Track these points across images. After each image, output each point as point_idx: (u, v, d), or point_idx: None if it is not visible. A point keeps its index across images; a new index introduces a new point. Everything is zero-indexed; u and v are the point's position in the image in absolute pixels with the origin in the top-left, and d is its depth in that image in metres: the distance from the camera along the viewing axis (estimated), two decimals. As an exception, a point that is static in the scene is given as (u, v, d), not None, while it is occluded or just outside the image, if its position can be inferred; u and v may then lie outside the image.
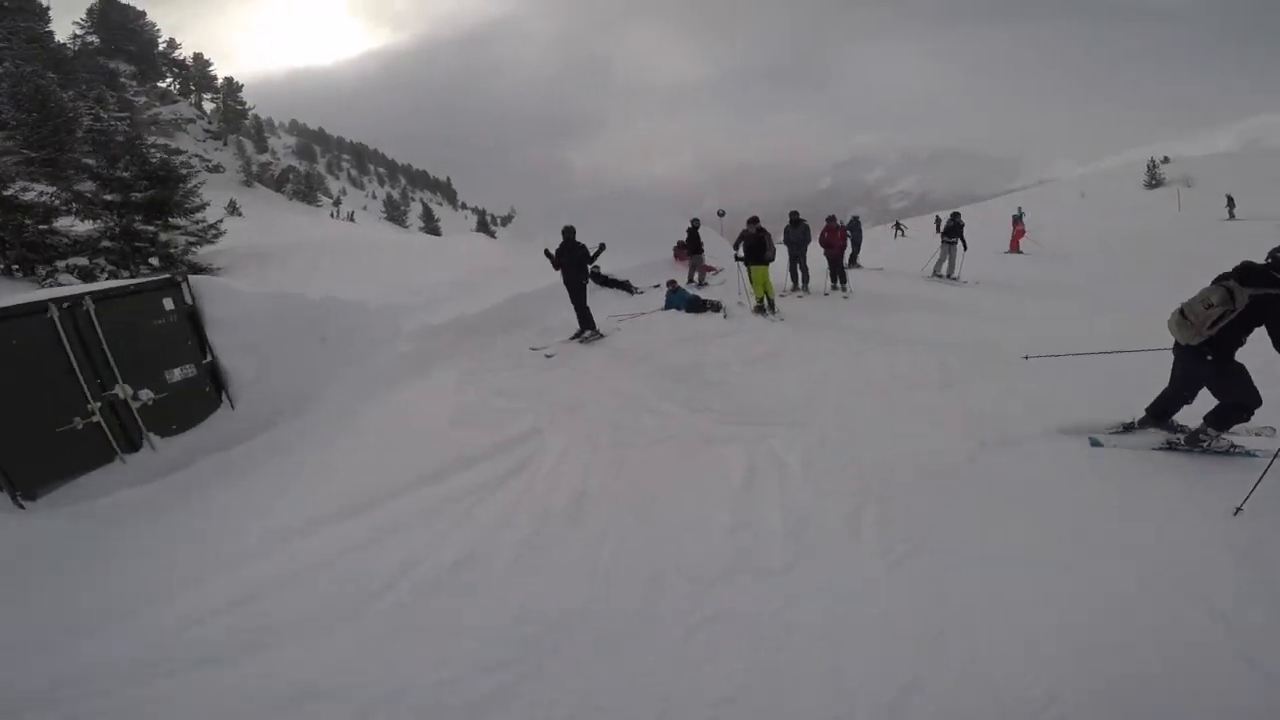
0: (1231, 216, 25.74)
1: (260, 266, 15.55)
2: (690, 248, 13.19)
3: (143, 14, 52.68)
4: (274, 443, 6.40)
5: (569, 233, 8.45)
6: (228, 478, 5.72)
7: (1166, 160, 46.50)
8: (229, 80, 62.24)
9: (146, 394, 6.55)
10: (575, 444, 4.95)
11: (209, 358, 7.15)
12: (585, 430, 5.22)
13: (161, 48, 54.69)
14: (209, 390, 7.17)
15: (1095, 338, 6.95)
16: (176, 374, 6.89)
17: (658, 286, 11.71)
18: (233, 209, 35.17)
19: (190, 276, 7.20)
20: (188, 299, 7.01)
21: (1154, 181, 42.11)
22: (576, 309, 8.55)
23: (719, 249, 13.88)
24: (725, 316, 9.43)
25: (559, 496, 4.20)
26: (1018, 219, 21.22)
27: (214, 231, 16.24)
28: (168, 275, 7.16)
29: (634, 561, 3.51)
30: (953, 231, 12.69)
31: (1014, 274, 13.37)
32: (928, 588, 3.09)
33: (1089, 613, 2.80)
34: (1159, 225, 26.31)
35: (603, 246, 8.55)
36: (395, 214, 66.04)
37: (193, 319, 7.06)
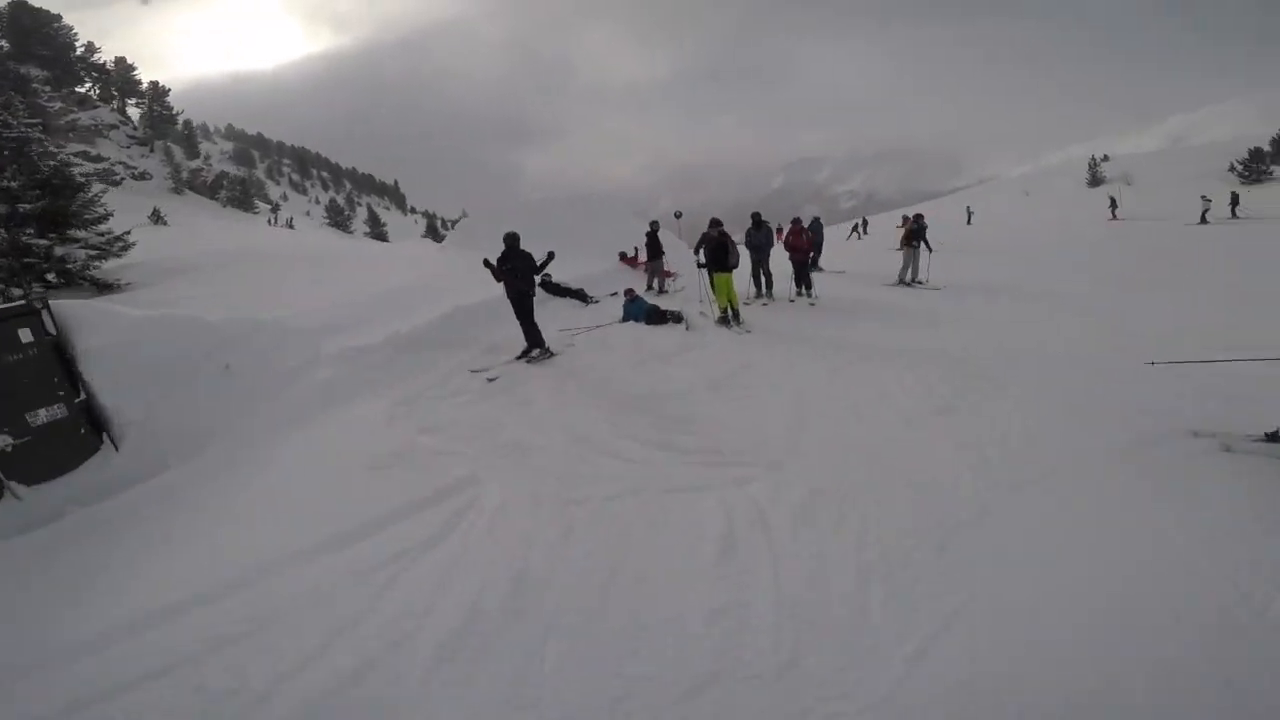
0: (1114, 217, 27.89)
1: (176, 281, 14.10)
2: (650, 252, 12.48)
3: (58, 17, 49.25)
4: (158, 493, 5.36)
5: (512, 240, 7.59)
6: (95, 536, 4.72)
7: (1106, 159, 48.26)
8: (155, 84, 58.95)
9: (3, 439, 5.49)
10: (516, 499, 4.09)
11: (83, 395, 6.04)
12: (529, 479, 4.36)
13: (80, 52, 51.28)
14: (85, 432, 6.06)
15: (1067, 341, 6.59)
16: (42, 415, 5.76)
17: (614, 295, 10.95)
18: (157, 218, 32.86)
19: (54, 302, 6.06)
20: (50, 329, 5.88)
21: (1094, 179, 43.61)
22: (522, 325, 7.69)
23: (677, 253, 13.22)
24: (688, 328, 8.73)
25: (494, 575, 3.35)
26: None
27: (120, 244, 14.64)
28: (22, 303, 6.02)
29: (587, 670, 2.71)
30: (915, 235, 12.29)
31: (970, 276, 13.12)
32: (962, 690, 2.42)
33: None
34: (1103, 224, 27.09)
35: (551, 255, 7.72)
36: (339, 219, 63.32)
37: (59, 351, 5.93)
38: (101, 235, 14.41)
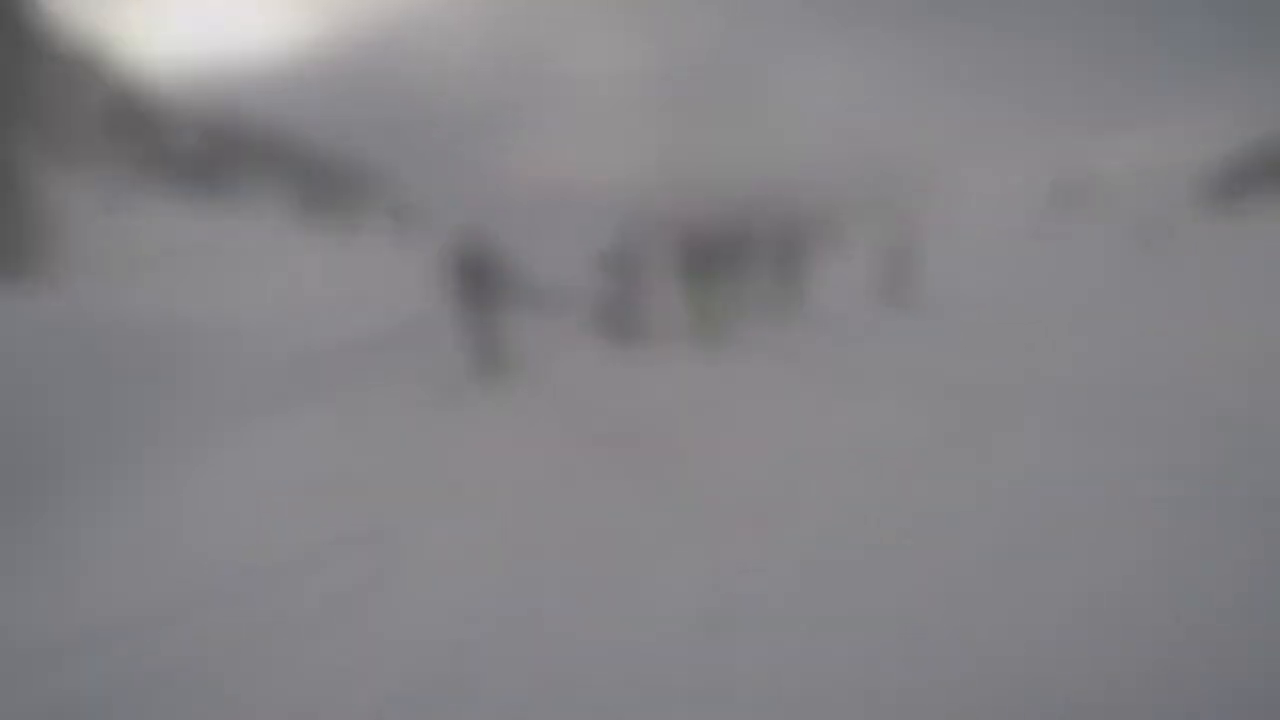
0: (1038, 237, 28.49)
1: (115, 272, 13.14)
2: (626, 256, 11.92)
3: (16, -12, 46.87)
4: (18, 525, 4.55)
5: (474, 240, 6.96)
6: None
7: (1076, 172, 48.59)
8: (120, 60, 56.81)
9: None
10: (460, 551, 3.50)
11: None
12: (476, 526, 3.76)
13: (42, 24, 49.03)
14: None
15: (1076, 364, 6.21)
16: None
17: (587, 302, 10.37)
18: (109, 204, 31.31)
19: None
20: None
21: (1064, 194, 44.10)
22: (477, 337, 7.01)
23: (658, 257, 12.69)
24: (668, 342, 8.19)
25: (428, 650, 2.77)
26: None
27: (52, 230, 13.59)
28: None
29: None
30: (899, 250, 11.96)
31: (951, 291, 12.85)
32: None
33: None
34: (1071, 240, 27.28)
35: (510, 261, 7.08)
36: (311, 208, 61.60)
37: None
38: (34, 220, 13.36)
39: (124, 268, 13.84)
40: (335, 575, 3.27)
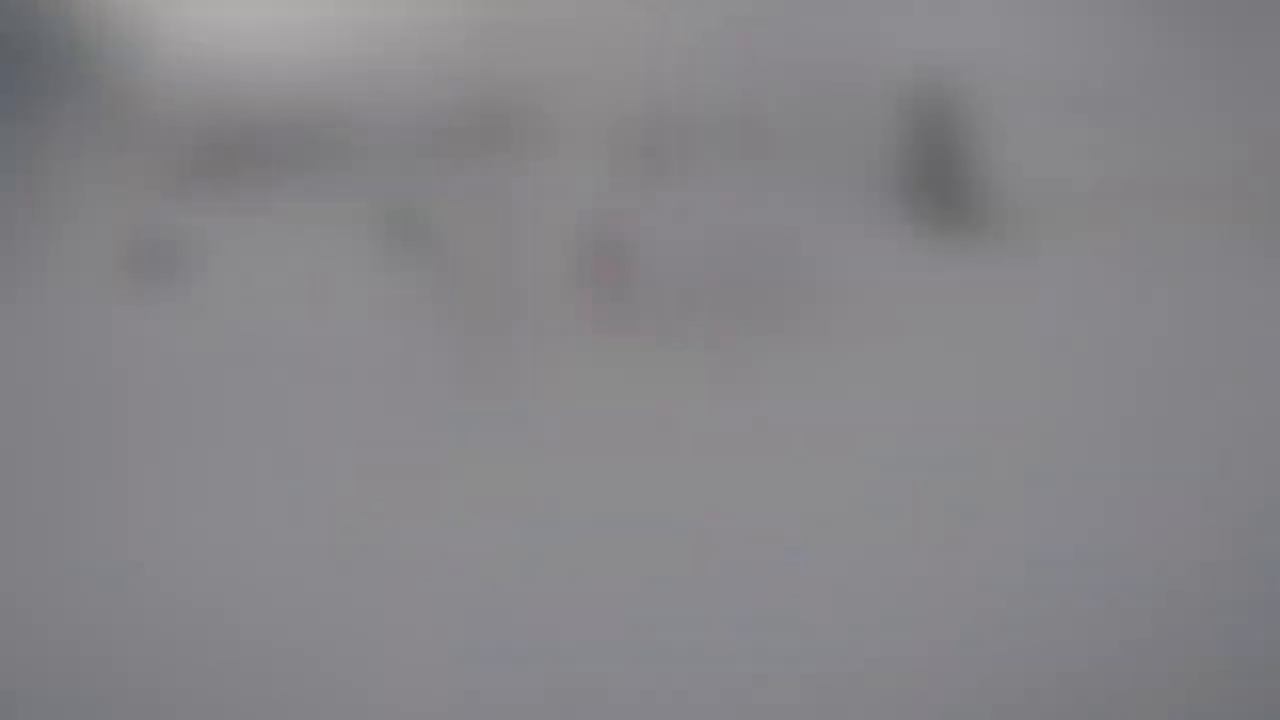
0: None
1: (126, 277, 13.40)
2: (635, 256, 11.92)
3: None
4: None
5: (484, 239, 6.99)
6: None
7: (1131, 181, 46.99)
8: (138, 60, 57.85)
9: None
10: (442, 560, 3.48)
11: None
12: (466, 534, 3.76)
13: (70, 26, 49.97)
14: None
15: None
16: None
17: (595, 303, 10.39)
18: (122, 207, 31.98)
19: None
20: None
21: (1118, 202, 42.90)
22: (481, 339, 7.08)
23: (667, 256, 12.69)
24: (677, 344, 8.17)
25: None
26: None
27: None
28: None
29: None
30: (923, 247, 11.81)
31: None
32: None
33: None
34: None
35: (519, 263, 7.13)
36: (328, 210, 61.90)
37: None
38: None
39: (132, 271, 14.09)
40: (331, 578, 3.32)
